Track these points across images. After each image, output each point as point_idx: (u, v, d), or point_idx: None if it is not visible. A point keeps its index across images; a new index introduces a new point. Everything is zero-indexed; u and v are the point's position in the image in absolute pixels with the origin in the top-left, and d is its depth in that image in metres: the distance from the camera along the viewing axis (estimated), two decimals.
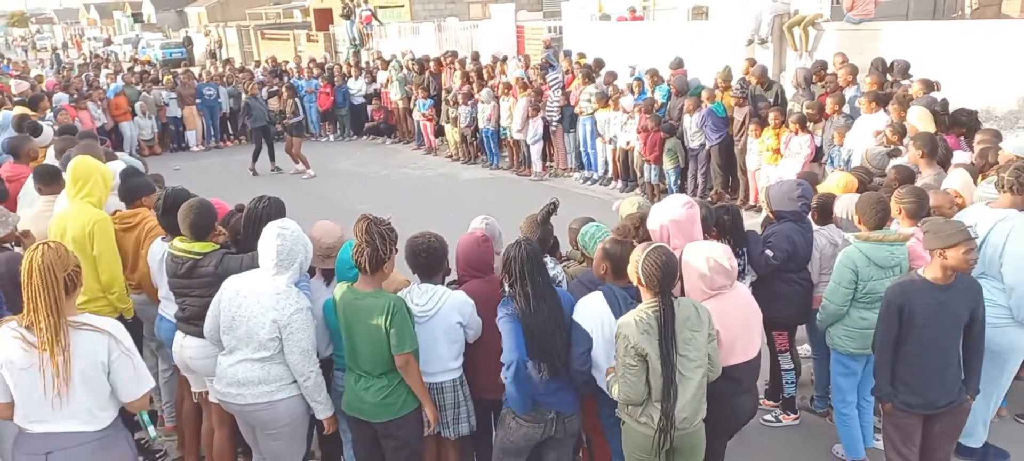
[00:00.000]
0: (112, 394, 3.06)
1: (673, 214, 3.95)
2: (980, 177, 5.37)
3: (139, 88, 16.52)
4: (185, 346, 4.09)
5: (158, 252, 4.38)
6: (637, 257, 3.32)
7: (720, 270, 3.57)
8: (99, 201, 4.68)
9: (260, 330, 3.54)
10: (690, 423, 3.36)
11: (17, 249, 4.28)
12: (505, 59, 14.95)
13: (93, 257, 4.50)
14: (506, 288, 3.54)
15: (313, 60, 19.30)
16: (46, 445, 2.97)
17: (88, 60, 29.60)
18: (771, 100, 9.89)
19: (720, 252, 3.62)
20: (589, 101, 11.60)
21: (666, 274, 3.24)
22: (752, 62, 10.61)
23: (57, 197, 5.10)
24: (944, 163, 5.73)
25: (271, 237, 3.55)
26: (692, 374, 3.33)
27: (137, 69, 20.34)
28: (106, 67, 24.16)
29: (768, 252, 4.66)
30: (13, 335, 2.92)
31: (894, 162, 5.82)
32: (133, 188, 4.84)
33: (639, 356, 3.24)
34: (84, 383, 2.95)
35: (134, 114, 15.84)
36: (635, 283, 3.37)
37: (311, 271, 4.02)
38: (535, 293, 3.41)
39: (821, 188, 5.29)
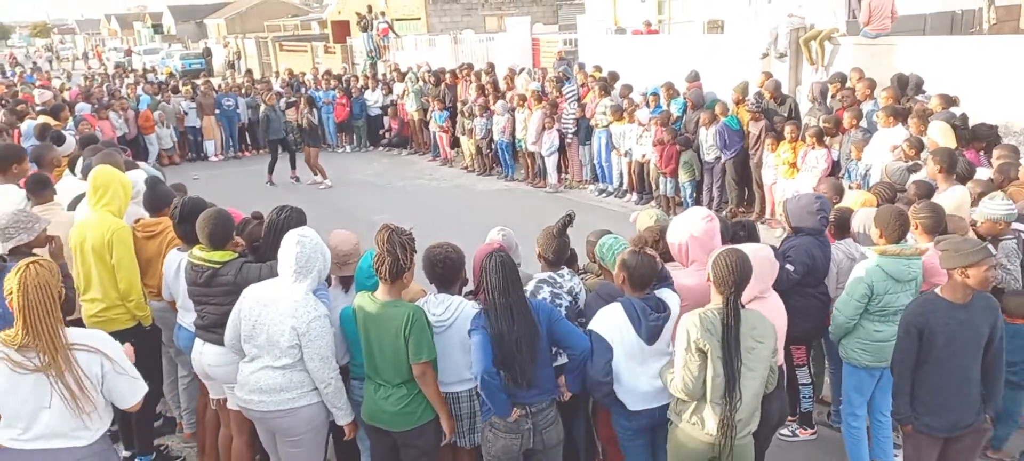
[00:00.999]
0: (105, 405, 3.08)
1: (693, 228, 3.96)
2: (1001, 192, 5.35)
3: (158, 98, 16.74)
4: (204, 354, 4.13)
5: (173, 262, 4.43)
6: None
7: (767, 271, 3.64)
8: (119, 210, 4.74)
9: (280, 338, 3.58)
10: (743, 429, 3.38)
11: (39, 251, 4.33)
12: (523, 70, 15.03)
13: (111, 265, 4.55)
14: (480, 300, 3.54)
15: (328, 71, 19.46)
16: None
17: (107, 72, 30.08)
18: (785, 114, 9.88)
19: (765, 253, 3.70)
20: (605, 114, 11.63)
21: (738, 276, 3.27)
22: (767, 76, 10.61)
23: (48, 206, 5.14)
24: (966, 179, 5.69)
25: (290, 245, 3.60)
26: (750, 383, 3.35)
27: (158, 77, 20.61)
28: (126, 77, 24.50)
29: (788, 266, 4.65)
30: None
31: (914, 177, 5.79)
32: (159, 197, 4.91)
33: (700, 352, 3.28)
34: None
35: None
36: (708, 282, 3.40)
37: (329, 280, 4.06)
38: (505, 305, 3.39)
39: (840, 205, 5.27)
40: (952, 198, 5.06)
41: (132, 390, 3.11)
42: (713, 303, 3.38)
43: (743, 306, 3.37)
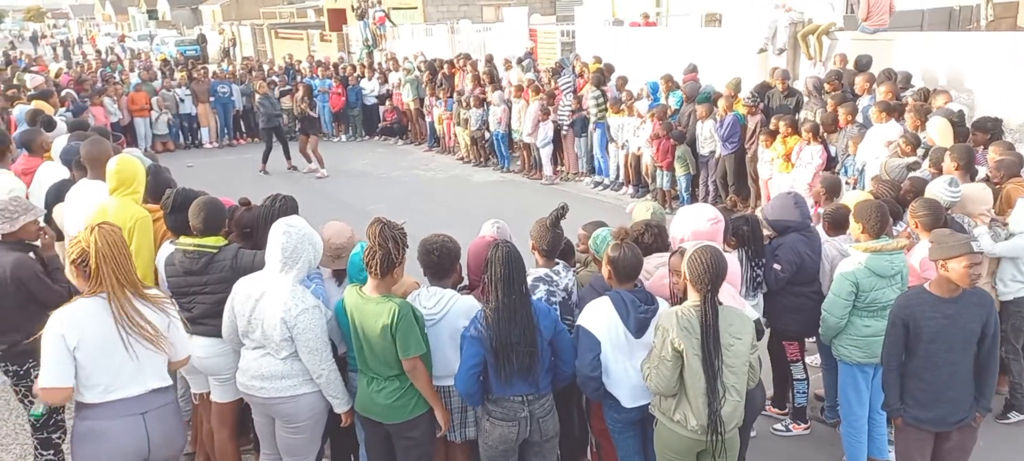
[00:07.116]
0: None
1: (697, 226, 3.93)
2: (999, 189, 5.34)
3: (155, 84, 16.62)
4: (191, 345, 4.06)
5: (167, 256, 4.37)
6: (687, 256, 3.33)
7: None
8: (140, 202, 4.70)
9: (273, 332, 3.55)
10: (730, 424, 3.36)
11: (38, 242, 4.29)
12: (525, 58, 15.01)
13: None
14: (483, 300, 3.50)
15: (320, 63, 19.29)
16: (141, 406, 3.21)
17: (104, 56, 29.87)
18: (792, 107, 9.80)
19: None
20: (594, 102, 11.57)
21: (714, 273, 3.24)
22: (775, 67, 10.55)
23: None
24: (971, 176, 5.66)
25: (277, 235, 3.57)
26: (731, 379, 3.33)
27: (149, 64, 20.45)
28: (120, 64, 24.34)
29: (776, 266, 4.63)
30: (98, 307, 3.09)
31: (911, 175, 5.76)
32: (161, 185, 4.85)
33: (676, 351, 3.25)
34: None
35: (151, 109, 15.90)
36: (684, 281, 3.36)
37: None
38: (507, 300, 3.34)
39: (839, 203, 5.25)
40: (972, 193, 5.06)
41: (184, 343, 3.45)
42: (689, 301, 3.34)
43: (720, 303, 3.34)
